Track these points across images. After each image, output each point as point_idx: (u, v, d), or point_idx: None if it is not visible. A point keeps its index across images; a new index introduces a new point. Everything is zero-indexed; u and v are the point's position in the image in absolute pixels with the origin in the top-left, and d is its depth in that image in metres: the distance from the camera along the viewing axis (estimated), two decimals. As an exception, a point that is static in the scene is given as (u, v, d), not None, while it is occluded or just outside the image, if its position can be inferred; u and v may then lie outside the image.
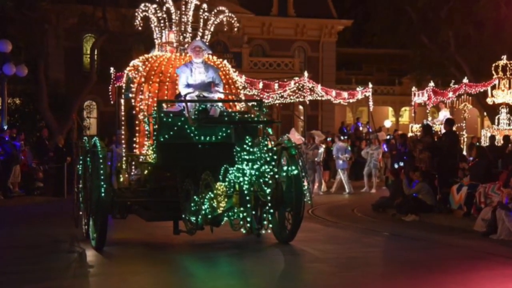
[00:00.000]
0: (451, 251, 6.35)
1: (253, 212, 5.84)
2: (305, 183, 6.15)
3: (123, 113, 7.38)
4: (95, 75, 16.61)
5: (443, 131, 10.39)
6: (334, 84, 22.01)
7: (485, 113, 21.50)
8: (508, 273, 5.30)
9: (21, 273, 5.30)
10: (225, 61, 7.48)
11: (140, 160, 6.81)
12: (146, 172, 6.71)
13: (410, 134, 13.70)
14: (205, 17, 7.31)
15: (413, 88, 15.92)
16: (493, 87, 14.71)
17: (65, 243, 6.81)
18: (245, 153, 5.81)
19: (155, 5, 7.20)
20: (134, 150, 6.97)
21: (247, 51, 22.30)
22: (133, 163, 7.05)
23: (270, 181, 5.80)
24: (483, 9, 18.73)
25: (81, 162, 6.99)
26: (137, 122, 6.91)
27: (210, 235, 6.34)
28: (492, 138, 11.88)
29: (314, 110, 22.33)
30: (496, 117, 14.92)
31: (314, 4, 23.20)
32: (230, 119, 6.42)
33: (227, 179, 5.78)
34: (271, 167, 5.84)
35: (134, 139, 6.96)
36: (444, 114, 14.18)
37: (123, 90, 7.46)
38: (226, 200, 5.73)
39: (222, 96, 6.72)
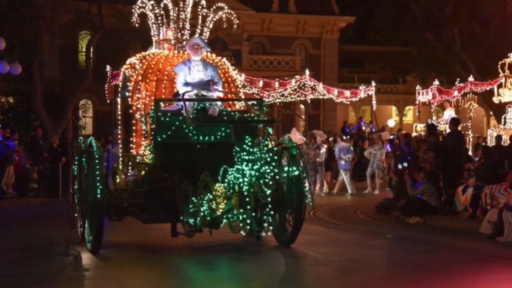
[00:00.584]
0: (456, 254, 6.31)
1: (253, 214, 5.81)
2: (307, 184, 6.09)
3: (119, 112, 7.28)
4: (90, 73, 16.51)
5: (448, 130, 10.24)
6: (336, 83, 21.88)
7: (491, 112, 21.32)
8: (515, 276, 5.19)
9: (15, 276, 5.26)
10: (224, 59, 7.42)
11: (137, 160, 6.75)
12: (143, 173, 6.67)
13: (414, 134, 13.56)
14: (204, 13, 7.25)
15: (417, 87, 15.78)
16: (500, 86, 14.53)
17: (60, 246, 6.78)
18: (244, 153, 5.76)
19: (152, 1, 7.12)
20: (131, 150, 6.91)
21: (246, 48, 22.17)
22: (130, 163, 7.00)
23: (271, 182, 5.76)
24: (489, 6, 18.55)
25: (76, 162, 6.96)
26: (134, 121, 6.86)
27: (209, 238, 6.30)
28: (499, 138, 11.78)
29: (315, 109, 22.18)
30: (503, 117, 14.72)
31: (315, 1, 23.05)
32: (230, 118, 6.35)
33: (226, 180, 5.73)
34: (271, 167, 5.80)
35: (131, 139, 6.90)
36: (449, 113, 14.00)
37: (119, 89, 7.38)
38: (225, 201, 5.69)
39: (221, 94, 6.65)
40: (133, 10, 7.19)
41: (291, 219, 6.20)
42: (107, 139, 12.43)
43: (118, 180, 7.01)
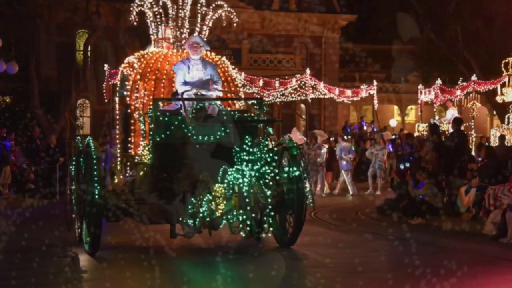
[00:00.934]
0: (459, 255, 6.25)
1: (253, 215, 5.80)
2: (307, 185, 6.06)
3: (117, 112, 7.25)
4: (88, 73, 16.47)
5: (451, 130, 10.16)
6: (337, 82, 21.84)
7: (494, 112, 21.23)
8: (519, 278, 5.14)
9: (11, 279, 5.20)
10: (224, 58, 7.37)
11: (136, 160, 6.72)
12: (141, 173, 6.62)
13: (416, 134, 13.50)
14: (203, 11, 7.20)
15: (420, 86, 15.68)
16: (503, 85, 14.48)
17: (57, 247, 6.72)
18: (244, 153, 5.77)
19: (151, -1, 7.01)
20: (129, 151, 6.88)
21: (246, 47, 22.13)
22: (128, 163, 6.96)
23: (271, 183, 5.76)
24: (493, 4, 18.46)
25: (74, 162, 6.90)
26: (132, 121, 6.82)
27: (208, 239, 6.27)
28: (502, 137, 11.73)
29: (316, 108, 22.15)
30: (506, 116, 14.65)
31: (316, -2, 22.96)
32: (229, 118, 6.27)
33: (226, 181, 5.72)
34: (271, 168, 5.81)
35: (129, 139, 6.86)
36: (452, 113, 13.91)
37: (117, 88, 7.33)
38: (225, 202, 5.68)
39: (220, 94, 6.61)
40: (131, 8, 7.14)
41: (291, 220, 6.17)
42: (105, 139, 12.37)
43: (116, 181, 6.99)
